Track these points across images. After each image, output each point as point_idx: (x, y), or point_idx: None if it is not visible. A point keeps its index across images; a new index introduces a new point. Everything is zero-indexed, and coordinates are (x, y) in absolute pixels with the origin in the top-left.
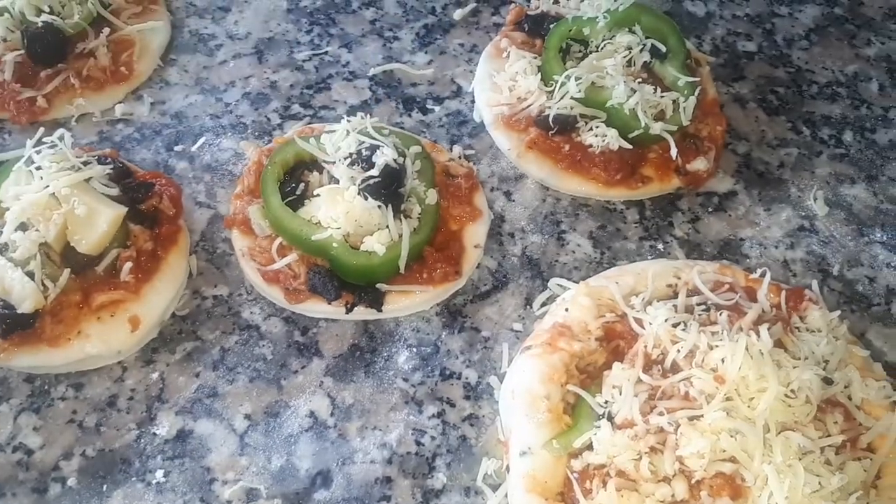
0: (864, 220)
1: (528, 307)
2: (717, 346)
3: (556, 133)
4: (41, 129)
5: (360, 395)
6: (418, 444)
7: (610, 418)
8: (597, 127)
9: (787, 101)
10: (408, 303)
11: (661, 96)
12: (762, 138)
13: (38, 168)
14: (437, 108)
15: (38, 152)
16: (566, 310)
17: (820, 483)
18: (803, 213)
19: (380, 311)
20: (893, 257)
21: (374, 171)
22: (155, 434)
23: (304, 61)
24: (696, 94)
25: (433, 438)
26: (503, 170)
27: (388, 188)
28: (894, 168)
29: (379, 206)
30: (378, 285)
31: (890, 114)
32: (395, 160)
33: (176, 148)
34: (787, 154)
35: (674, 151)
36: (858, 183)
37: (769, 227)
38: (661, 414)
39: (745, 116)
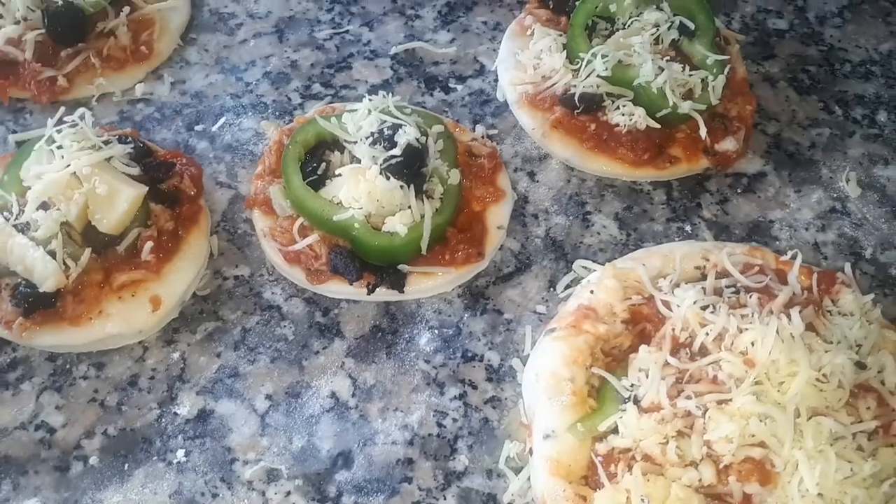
0: None
1: (551, 289)
2: (746, 329)
3: (581, 112)
4: (62, 109)
5: (381, 377)
6: (440, 425)
7: (636, 402)
8: (623, 106)
9: (818, 80)
10: (430, 284)
11: (690, 75)
12: (793, 118)
13: (59, 147)
14: (459, 87)
15: (59, 132)
16: (591, 292)
17: (852, 469)
18: (835, 195)
19: (401, 292)
20: None
21: (396, 151)
22: (176, 414)
23: (324, 40)
24: (726, 72)
25: (455, 420)
26: (527, 150)
27: (410, 168)
28: None
29: (401, 186)
30: (400, 266)
31: None
32: (417, 139)
33: (196, 128)
34: (818, 134)
35: (703, 131)
36: (893, 164)
37: (800, 209)
38: (688, 398)
39: (775, 96)
